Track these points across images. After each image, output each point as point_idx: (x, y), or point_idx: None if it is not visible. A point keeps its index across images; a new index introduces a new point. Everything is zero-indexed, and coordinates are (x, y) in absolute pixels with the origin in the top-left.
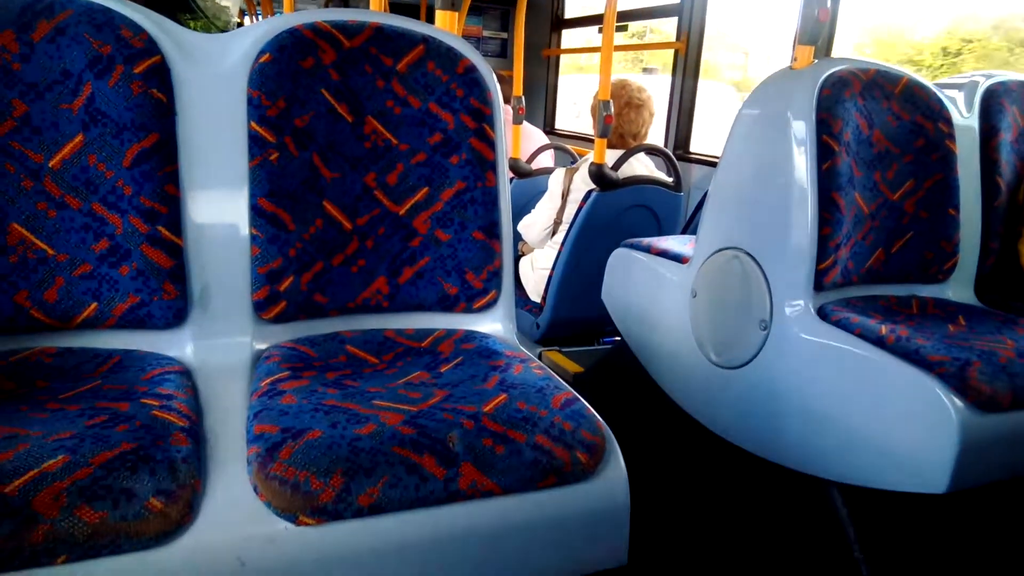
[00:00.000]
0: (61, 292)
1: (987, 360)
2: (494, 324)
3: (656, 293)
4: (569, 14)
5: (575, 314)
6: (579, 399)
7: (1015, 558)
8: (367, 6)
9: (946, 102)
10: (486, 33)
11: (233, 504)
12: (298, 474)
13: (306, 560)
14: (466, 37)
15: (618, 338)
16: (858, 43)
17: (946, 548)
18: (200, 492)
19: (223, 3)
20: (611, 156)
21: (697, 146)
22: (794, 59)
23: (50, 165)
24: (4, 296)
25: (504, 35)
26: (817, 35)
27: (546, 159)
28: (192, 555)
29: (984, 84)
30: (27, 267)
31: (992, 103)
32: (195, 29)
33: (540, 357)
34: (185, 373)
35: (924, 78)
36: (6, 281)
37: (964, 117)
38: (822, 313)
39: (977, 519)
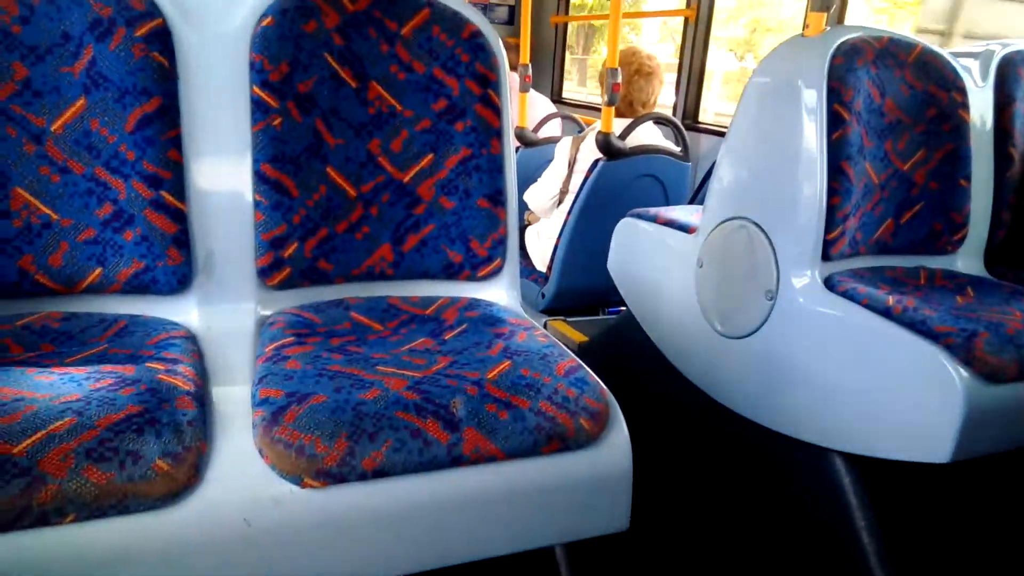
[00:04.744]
0: (66, 257)
1: (994, 331)
2: (498, 292)
3: (662, 263)
4: None
5: (581, 283)
6: (583, 367)
7: (1016, 528)
8: None
9: (960, 71)
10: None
11: (238, 467)
12: (302, 437)
13: (310, 522)
14: (473, 4)
15: (623, 308)
16: None
17: (948, 518)
18: (206, 455)
19: None
20: (619, 125)
21: None
22: (806, 26)
23: (52, 129)
24: (9, 261)
25: (511, 2)
26: (830, 1)
27: (553, 128)
28: (198, 516)
29: (1000, 52)
30: (31, 232)
31: (1008, 72)
32: None
33: (545, 326)
34: (190, 338)
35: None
36: (10, 246)
37: (979, 86)
38: (829, 284)
39: (980, 489)
